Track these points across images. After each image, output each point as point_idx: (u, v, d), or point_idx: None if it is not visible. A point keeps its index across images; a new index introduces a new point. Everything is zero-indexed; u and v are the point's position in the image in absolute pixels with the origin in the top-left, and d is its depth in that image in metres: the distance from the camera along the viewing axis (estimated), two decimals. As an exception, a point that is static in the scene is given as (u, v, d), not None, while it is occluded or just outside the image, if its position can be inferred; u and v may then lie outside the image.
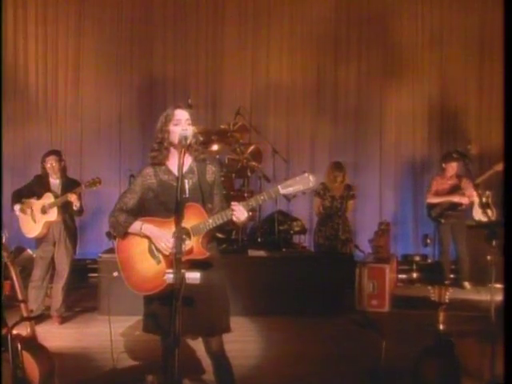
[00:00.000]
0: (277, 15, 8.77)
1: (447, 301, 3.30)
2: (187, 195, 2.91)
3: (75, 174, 6.76)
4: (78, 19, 8.64)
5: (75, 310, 6.07)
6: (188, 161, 3.01)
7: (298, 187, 2.81)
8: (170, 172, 3.01)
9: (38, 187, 5.58)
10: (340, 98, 8.85)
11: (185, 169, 2.90)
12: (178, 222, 2.62)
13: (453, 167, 7.07)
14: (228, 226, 2.97)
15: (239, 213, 2.82)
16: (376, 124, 8.83)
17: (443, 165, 7.19)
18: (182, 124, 2.95)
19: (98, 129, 8.66)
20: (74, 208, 5.44)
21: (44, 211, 5.41)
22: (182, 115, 2.98)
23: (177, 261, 2.51)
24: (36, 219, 5.46)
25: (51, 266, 5.62)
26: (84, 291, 6.76)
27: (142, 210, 3.01)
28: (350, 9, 8.82)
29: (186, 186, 2.93)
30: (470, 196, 6.98)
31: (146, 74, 8.74)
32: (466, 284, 7.13)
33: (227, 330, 3.04)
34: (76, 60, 8.67)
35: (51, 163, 5.56)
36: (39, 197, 5.50)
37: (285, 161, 7.16)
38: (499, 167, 6.33)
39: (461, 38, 8.70)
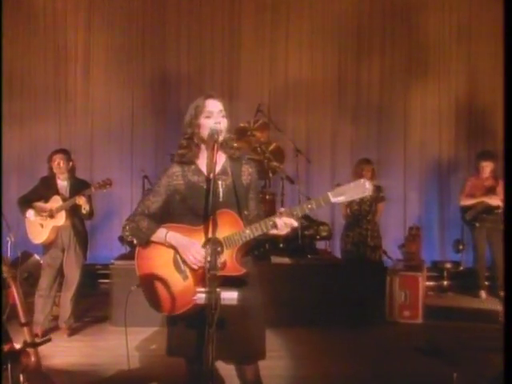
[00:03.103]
0: (296, 8, 8.38)
1: (518, 322, 2.87)
2: (221, 199, 2.51)
3: (85, 174, 6.41)
4: (87, 13, 8.31)
5: (85, 319, 5.72)
6: (221, 160, 2.62)
7: (351, 195, 2.38)
8: (200, 172, 2.60)
9: (44, 190, 5.23)
10: (362, 96, 8.44)
11: (217, 169, 2.51)
12: (210, 232, 2.22)
13: (488, 167, 6.63)
14: (266, 237, 2.53)
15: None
16: (400, 122, 8.42)
17: (477, 164, 6.74)
18: (214, 116, 2.54)
19: (108, 127, 8.27)
20: (83, 211, 5.08)
21: (51, 215, 5.05)
22: (214, 106, 2.56)
23: (211, 279, 2.10)
24: (43, 224, 5.10)
25: (60, 273, 5.26)
26: (94, 299, 6.40)
27: (166, 215, 2.60)
28: (372, 1, 8.42)
29: (220, 189, 2.54)
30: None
31: (159, 70, 8.36)
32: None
33: (263, 355, 2.65)
34: (86, 55, 8.33)
35: (58, 162, 5.21)
36: (46, 200, 5.15)
37: (308, 161, 6.75)
38: None
39: (490, 31, 8.21)
